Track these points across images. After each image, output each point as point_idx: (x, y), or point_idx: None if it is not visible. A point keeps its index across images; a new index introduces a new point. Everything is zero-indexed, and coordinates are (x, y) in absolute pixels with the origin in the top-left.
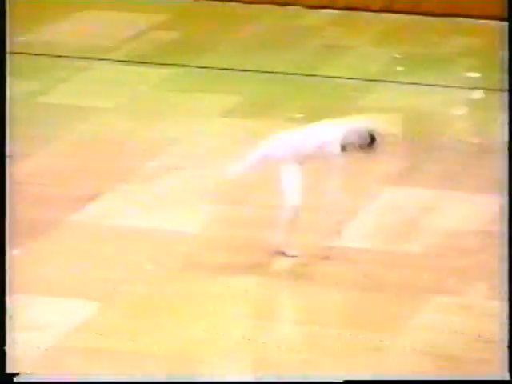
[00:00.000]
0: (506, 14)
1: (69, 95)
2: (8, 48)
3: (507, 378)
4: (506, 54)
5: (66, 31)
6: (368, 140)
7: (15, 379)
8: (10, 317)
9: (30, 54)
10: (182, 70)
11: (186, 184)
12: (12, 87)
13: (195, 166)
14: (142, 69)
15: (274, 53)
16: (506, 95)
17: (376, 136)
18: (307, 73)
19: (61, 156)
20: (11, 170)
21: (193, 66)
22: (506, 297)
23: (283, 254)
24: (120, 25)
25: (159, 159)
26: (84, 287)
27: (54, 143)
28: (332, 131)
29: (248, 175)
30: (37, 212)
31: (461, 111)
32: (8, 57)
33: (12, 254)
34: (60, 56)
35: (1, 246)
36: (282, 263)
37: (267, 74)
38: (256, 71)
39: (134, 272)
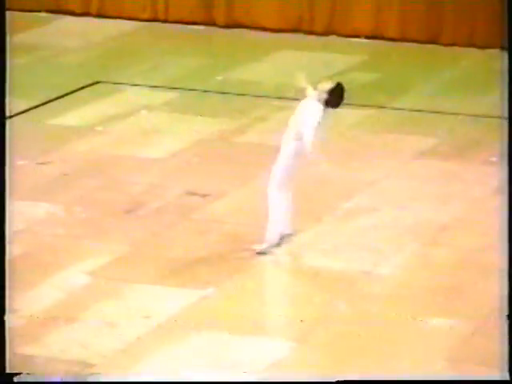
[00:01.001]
0: None
1: (266, 134)
2: (205, 87)
3: (507, 378)
4: None
5: (263, 71)
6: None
7: (15, 379)
8: (199, 354)
9: (227, 93)
10: (378, 111)
11: (380, 225)
12: (209, 126)
13: (390, 207)
14: (338, 109)
15: (472, 95)
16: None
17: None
18: (503, 116)
19: (257, 195)
20: (208, 208)
21: (389, 108)
22: None
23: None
24: (317, 65)
25: (354, 200)
26: (279, 326)
27: (252, 182)
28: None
29: (442, 215)
30: (231, 251)
31: None
32: (204, 95)
33: (207, 291)
34: (257, 95)
35: (1, 249)
36: (477, 307)
37: (464, 116)
38: (453, 113)
39: (328, 312)
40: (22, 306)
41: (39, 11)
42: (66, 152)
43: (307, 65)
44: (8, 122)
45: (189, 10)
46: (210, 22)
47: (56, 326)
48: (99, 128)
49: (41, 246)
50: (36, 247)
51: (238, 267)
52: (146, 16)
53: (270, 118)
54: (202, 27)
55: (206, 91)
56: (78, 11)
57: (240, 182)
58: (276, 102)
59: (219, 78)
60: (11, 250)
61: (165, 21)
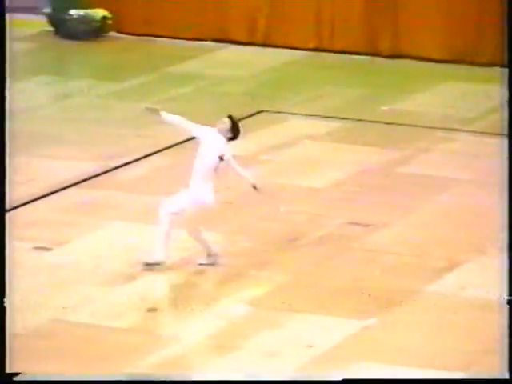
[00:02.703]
0: None
1: (429, 166)
2: (369, 117)
3: (507, 377)
4: None
5: (427, 101)
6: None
7: (15, 379)
8: None
9: (391, 123)
10: None
11: None
12: (372, 156)
13: None
14: (502, 140)
15: None
16: None
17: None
18: None
19: (420, 226)
20: (370, 238)
21: None
22: None
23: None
24: (481, 96)
25: None
26: (443, 358)
27: (414, 213)
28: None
29: None
30: (393, 282)
31: None
32: (367, 125)
33: (369, 321)
34: (421, 126)
35: (1, 248)
36: None
37: None
38: None
39: (491, 342)
40: (185, 334)
41: (205, 40)
42: (230, 181)
43: (470, 96)
44: (171, 151)
45: (353, 40)
46: (374, 53)
47: (219, 355)
48: (264, 157)
49: (202, 275)
50: (197, 276)
51: (400, 298)
52: (311, 46)
53: (433, 149)
54: (366, 57)
55: (368, 121)
56: (243, 40)
57: (402, 213)
58: (440, 133)
59: (384, 108)
60: (172, 279)
61: (329, 50)
